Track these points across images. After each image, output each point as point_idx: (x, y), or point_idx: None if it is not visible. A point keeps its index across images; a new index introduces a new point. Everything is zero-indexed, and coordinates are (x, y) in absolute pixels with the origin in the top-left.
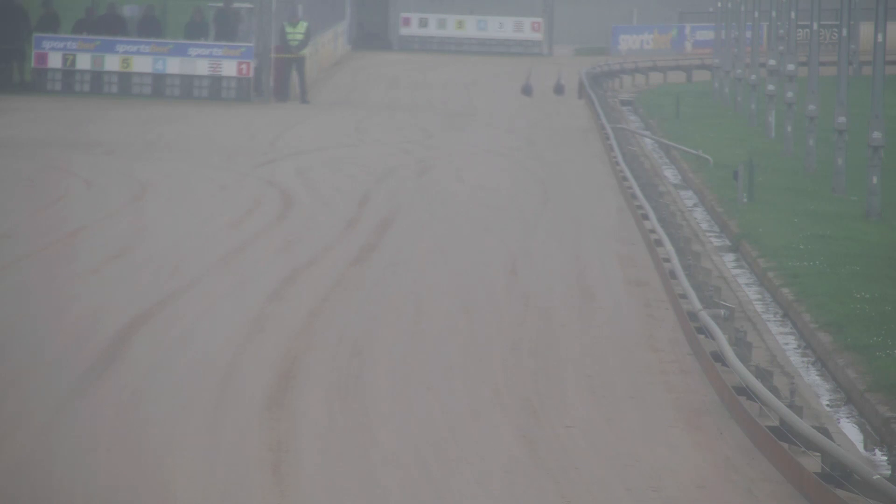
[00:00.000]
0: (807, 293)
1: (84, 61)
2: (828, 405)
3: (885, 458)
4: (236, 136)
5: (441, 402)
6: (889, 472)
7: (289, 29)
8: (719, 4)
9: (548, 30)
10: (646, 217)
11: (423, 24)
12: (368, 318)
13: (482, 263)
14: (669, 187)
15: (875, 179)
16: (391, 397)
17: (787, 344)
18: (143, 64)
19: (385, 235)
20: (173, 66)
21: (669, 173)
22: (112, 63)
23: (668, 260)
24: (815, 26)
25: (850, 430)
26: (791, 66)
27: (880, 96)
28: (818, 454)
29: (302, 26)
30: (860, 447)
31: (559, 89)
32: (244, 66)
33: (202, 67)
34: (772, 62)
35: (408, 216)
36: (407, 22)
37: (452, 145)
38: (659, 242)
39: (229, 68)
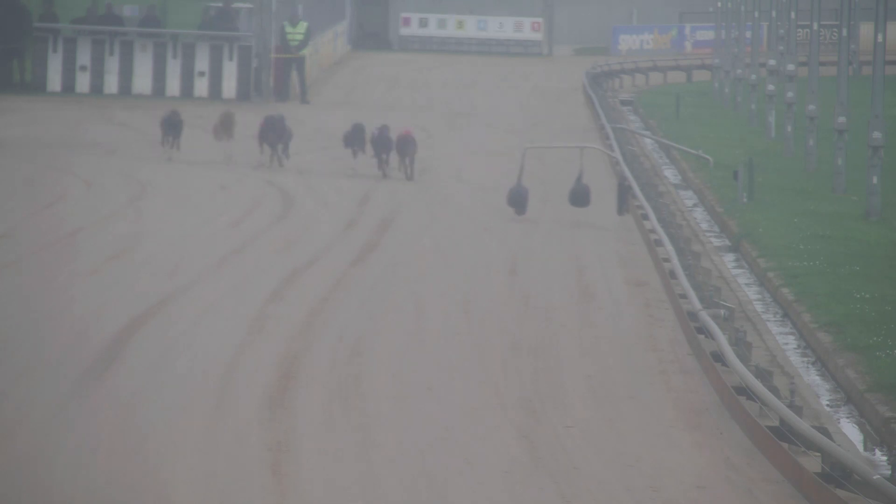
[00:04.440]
0: (807, 293)
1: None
2: (828, 405)
3: (885, 458)
4: (236, 136)
5: (441, 402)
6: (889, 472)
7: (289, 29)
8: (719, 4)
9: (548, 30)
10: (646, 217)
11: (423, 24)
12: (368, 318)
13: (482, 263)
14: (669, 187)
15: (875, 179)
16: (391, 397)
17: (786, 344)
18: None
19: (385, 235)
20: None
21: (669, 173)
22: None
23: (668, 260)
24: (815, 26)
25: (850, 430)
26: (791, 66)
27: (880, 96)
28: (818, 454)
29: (302, 26)
30: (860, 447)
31: (580, 196)
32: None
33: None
34: (772, 62)
35: (408, 216)
36: (407, 22)
37: (452, 145)
38: (659, 242)
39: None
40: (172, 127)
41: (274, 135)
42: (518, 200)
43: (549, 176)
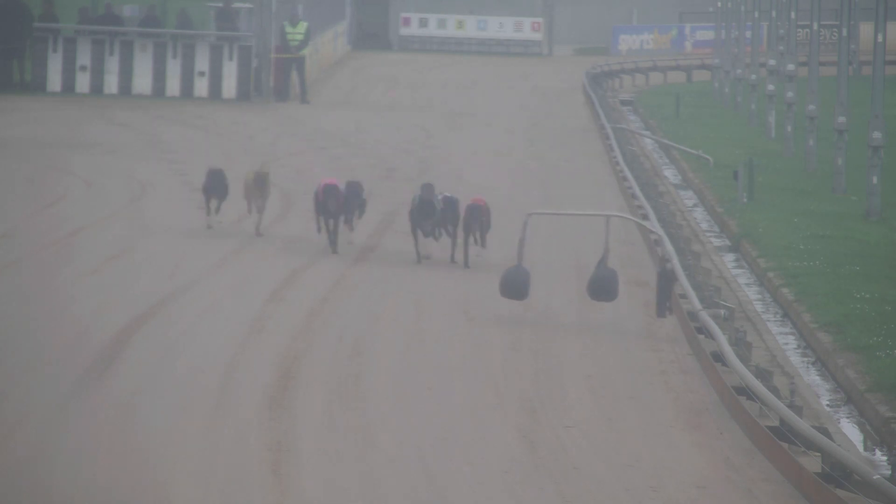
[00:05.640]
0: (807, 293)
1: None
2: (828, 405)
3: (885, 458)
4: (236, 136)
5: (441, 402)
6: (889, 472)
7: (289, 29)
8: (719, 4)
9: (548, 30)
10: (646, 217)
11: (423, 24)
12: (368, 318)
13: (482, 263)
14: (669, 187)
15: (875, 179)
16: (391, 397)
17: (787, 344)
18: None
19: (385, 235)
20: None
21: (669, 173)
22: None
23: (668, 260)
24: (815, 26)
25: (850, 430)
26: (791, 66)
27: (880, 96)
28: (818, 454)
29: (302, 26)
30: (860, 447)
31: (603, 286)
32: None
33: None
34: (772, 62)
35: (408, 216)
36: (407, 22)
37: (452, 145)
38: (659, 242)
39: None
40: (217, 189)
41: (335, 203)
42: (516, 287)
43: (549, 176)
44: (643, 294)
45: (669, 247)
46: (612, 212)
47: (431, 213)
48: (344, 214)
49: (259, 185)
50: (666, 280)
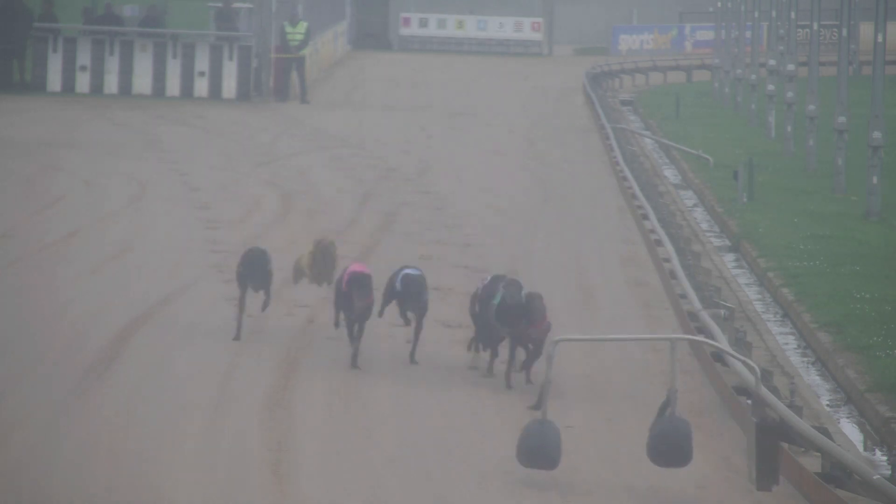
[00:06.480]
0: (807, 293)
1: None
2: (828, 405)
3: (885, 458)
4: (236, 136)
5: (441, 402)
6: (889, 472)
7: (289, 29)
8: (719, 4)
9: (548, 30)
10: (646, 217)
11: (423, 24)
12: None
13: (482, 264)
14: (669, 187)
15: (875, 179)
16: (391, 398)
17: (787, 344)
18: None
19: (385, 235)
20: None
21: (669, 173)
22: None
23: (668, 260)
24: (815, 26)
25: (850, 430)
26: (791, 66)
27: (880, 96)
28: (818, 454)
29: (302, 26)
30: (860, 447)
31: (672, 444)
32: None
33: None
34: (772, 62)
35: (408, 215)
36: (407, 22)
37: (452, 145)
38: (659, 242)
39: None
40: (256, 276)
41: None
42: (542, 453)
43: (549, 176)
44: (643, 294)
45: (769, 396)
46: (675, 334)
47: (520, 317)
48: (403, 311)
49: (322, 262)
50: (770, 437)
